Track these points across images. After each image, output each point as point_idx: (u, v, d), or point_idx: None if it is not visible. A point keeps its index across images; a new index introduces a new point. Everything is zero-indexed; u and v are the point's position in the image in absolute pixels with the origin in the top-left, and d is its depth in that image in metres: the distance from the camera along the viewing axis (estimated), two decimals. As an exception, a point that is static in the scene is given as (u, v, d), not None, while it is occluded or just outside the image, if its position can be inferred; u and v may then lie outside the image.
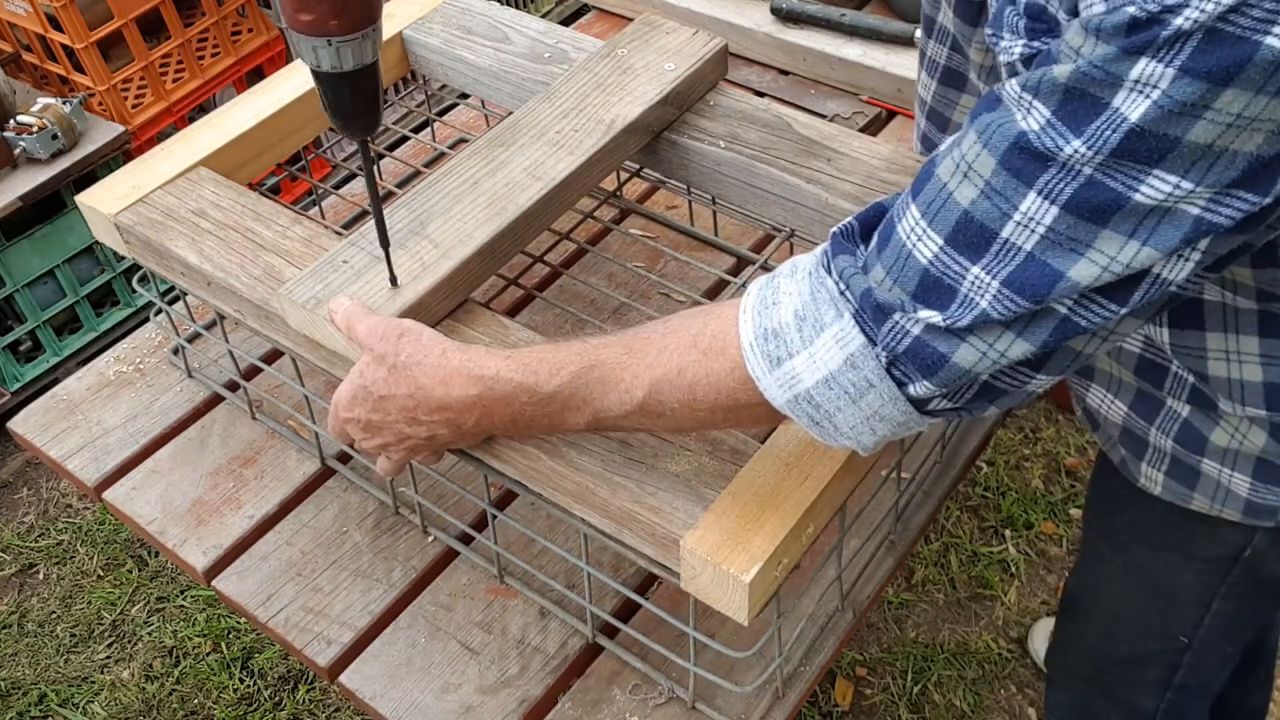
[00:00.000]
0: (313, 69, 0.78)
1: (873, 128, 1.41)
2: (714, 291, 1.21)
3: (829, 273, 0.66)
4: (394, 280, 0.89)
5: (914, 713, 1.76)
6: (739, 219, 1.22)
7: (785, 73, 1.51)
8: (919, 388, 0.64)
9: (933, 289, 0.61)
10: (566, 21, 2.37)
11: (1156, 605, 1.02)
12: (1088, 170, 0.54)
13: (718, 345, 0.70)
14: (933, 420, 0.68)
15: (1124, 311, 0.59)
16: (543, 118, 1.04)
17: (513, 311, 1.23)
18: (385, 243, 0.88)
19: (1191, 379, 0.82)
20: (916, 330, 0.61)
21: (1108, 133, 0.53)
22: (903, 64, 1.40)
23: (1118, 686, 1.12)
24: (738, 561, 0.74)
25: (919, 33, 1.40)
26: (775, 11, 1.49)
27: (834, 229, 0.68)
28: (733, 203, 1.08)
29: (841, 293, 0.64)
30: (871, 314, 0.63)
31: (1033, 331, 0.60)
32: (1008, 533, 1.98)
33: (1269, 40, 0.49)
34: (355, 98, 0.79)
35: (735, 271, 1.21)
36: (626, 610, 0.99)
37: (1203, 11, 0.49)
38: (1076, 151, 0.54)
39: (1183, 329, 0.78)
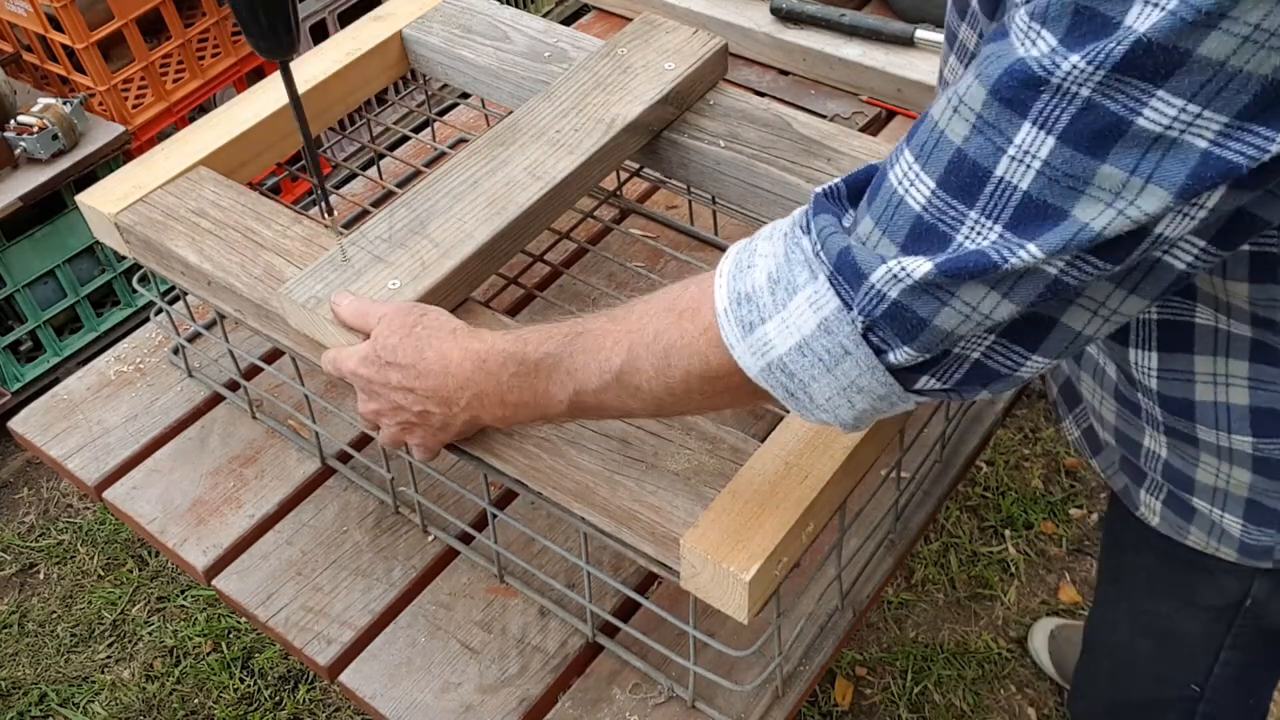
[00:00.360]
0: None
1: (873, 128, 1.41)
2: (714, 291, 1.21)
3: (806, 232, 0.62)
4: (329, 211, 0.93)
5: (914, 712, 1.76)
6: (739, 219, 1.22)
7: (785, 73, 1.51)
8: (899, 354, 0.59)
9: (925, 237, 0.56)
10: (566, 21, 2.37)
11: (1164, 652, 1.00)
12: (1085, 91, 0.49)
13: (692, 307, 0.67)
14: (920, 400, 0.63)
15: (1115, 269, 0.54)
16: (543, 117, 1.04)
17: (513, 311, 1.23)
18: (317, 171, 0.91)
19: (1161, 415, 0.79)
20: (894, 293, 0.57)
21: (1111, 46, 0.48)
22: (903, 64, 1.40)
23: None
24: (737, 560, 0.75)
25: (920, 31, 1.40)
26: (775, 11, 1.49)
27: (816, 189, 0.64)
28: (733, 202, 1.08)
29: (816, 253, 0.60)
30: (848, 275, 0.59)
31: (1019, 290, 0.55)
32: (1007, 533, 1.98)
33: None
34: (270, 17, 0.80)
35: (735, 271, 1.21)
36: (626, 609, 0.99)
37: None
38: (1074, 69, 0.49)
39: (1172, 352, 0.75)
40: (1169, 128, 0.49)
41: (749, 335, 0.63)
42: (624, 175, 1.26)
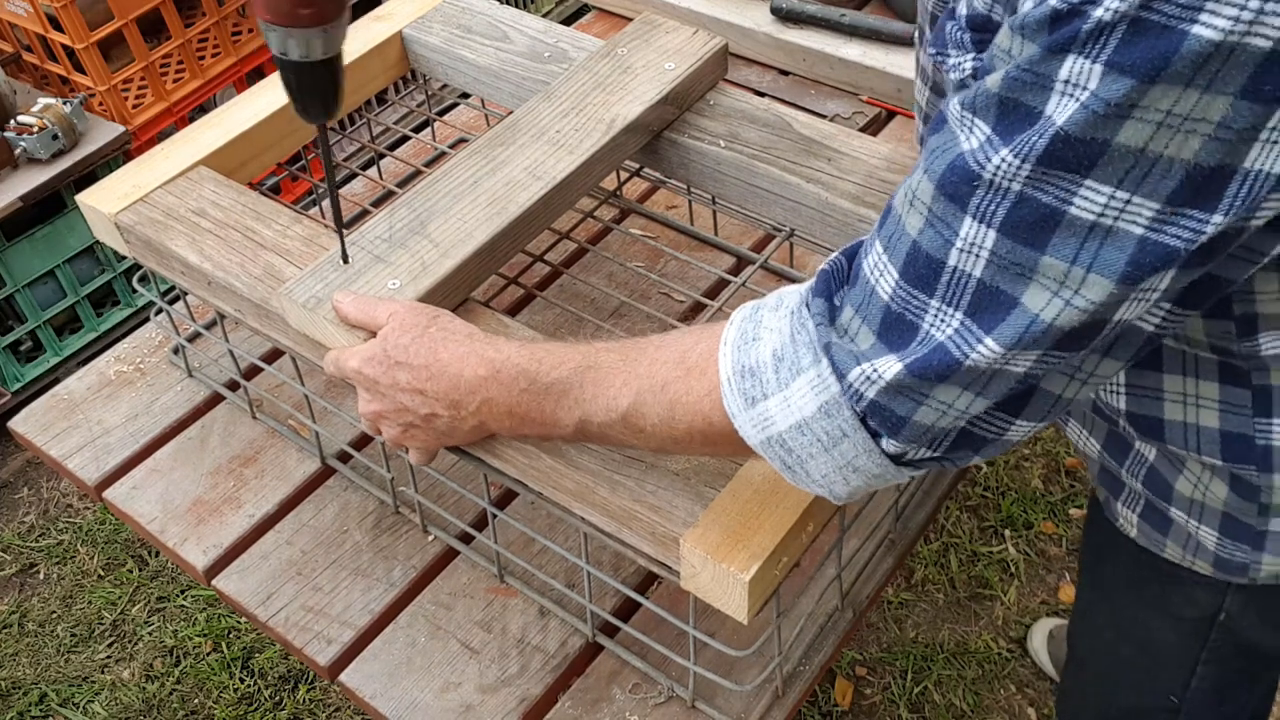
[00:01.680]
0: (279, 57, 0.82)
1: (873, 128, 1.41)
2: (714, 291, 1.21)
3: (810, 313, 0.63)
4: (345, 258, 0.92)
5: (914, 712, 1.76)
6: (739, 219, 1.22)
7: (785, 73, 1.51)
8: (888, 444, 0.62)
9: (895, 326, 0.58)
10: (566, 21, 2.37)
11: (1143, 661, 1.00)
12: (1016, 185, 0.51)
13: (700, 366, 0.69)
14: (915, 472, 0.65)
15: (1082, 353, 0.56)
16: (543, 117, 1.04)
17: (513, 311, 1.23)
18: (339, 221, 0.92)
19: (1134, 433, 0.79)
20: (871, 393, 0.59)
21: (1034, 139, 0.50)
22: (902, 64, 1.40)
23: None
24: (737, 559, 0.75)
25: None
26: (775, 11, 1.49)
27: (823, 265, 0.65)
28: (733, 202, 1.08)
29: (821, 342, 0.62)
30: (836, 367, 0.61)
31: (991, 389, 0.57)
32: (1007, 533, 1.98)
33: (1195, 29, 0.45)
34: (319, 85, 0.83)
35: (735, 271, 1.22)
36: (626, 609, 0.99)
37: (1123, 0, 0.46)
38: (1004, 164, 0.51)
39: (1140, 368, 0.75)
40: (1101, 215, 0.50)
41: (750, 409, 0.65)
42: (624, 175, 1.26)
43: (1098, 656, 1.07)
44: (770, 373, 0.64)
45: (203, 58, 2.33)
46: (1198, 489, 0.79)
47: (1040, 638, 1.82)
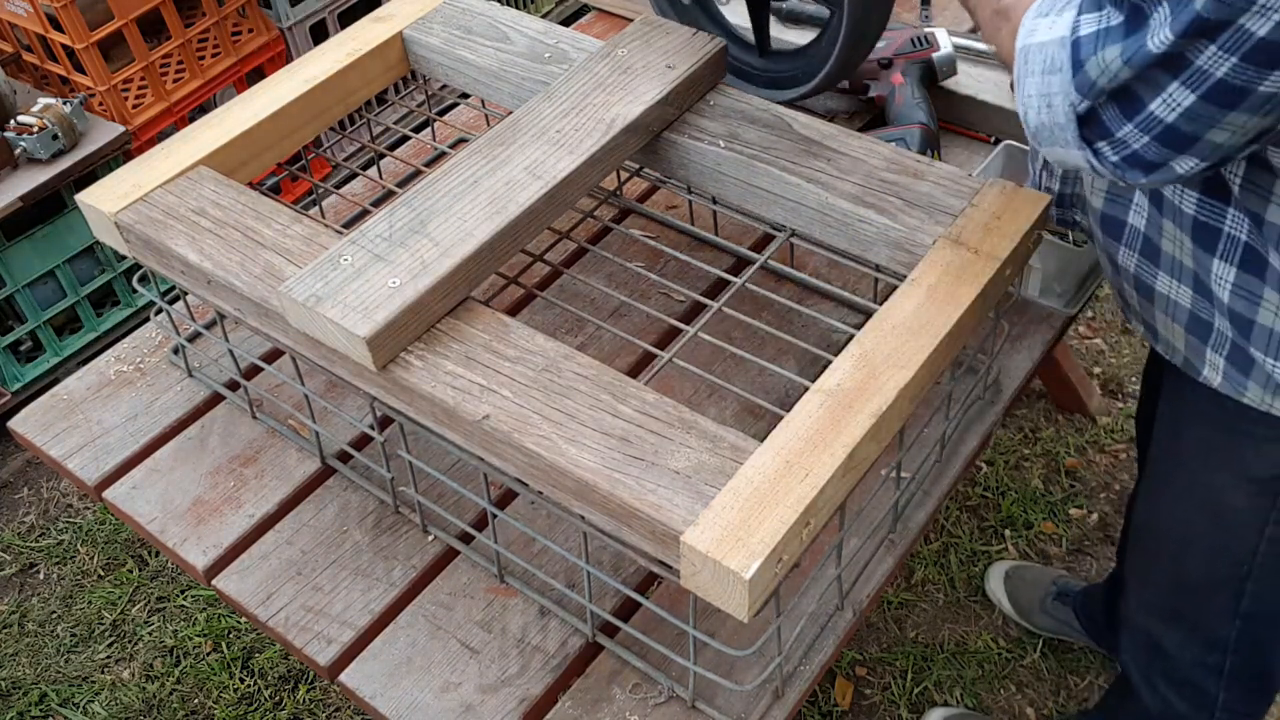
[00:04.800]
0: None
1: (873, 128, 1.41)
2: (714, 291, 1.21)
3: None
4: None
5: (914, 713, 1.76)
6: (739, 219, 1.22)
7: (785, 73, 1.51)
8: (1079, 86, 0.76)
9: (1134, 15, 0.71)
10: (566, 21, 2.37)
11: (1216, 529, 1.06)
12: None
13: None
14: (1096, 166, 0.80)
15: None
16: (543, 117, 1.05)
17: (513, 310, 1.24)
18: None
19: (1245, 235, 0.86)
20: (1085, 30, 0.75)
21: None
22: (902, 64, 1.40)
23: (1191, 614, 1.15)
24: (738, 558, 0.75)
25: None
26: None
27: None
28: (733, 203, 1.08)
29: None
30: (1087, 6, 0.76)
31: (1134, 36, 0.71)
32: (1007, 533, 1.98)
33: None
34: None
35: (735, 271, 1.22)
36: (626, 609, 0.99)
37: None
38: None
39: (1260, 169, 0.83)
40: None
41: (1033, 20, 0.81)
42: (624, 175, 1.26)
43: (1172, 529, 1.12)
44: (1060, 4, 0.79)
45: (203, 58, 2.33)
46: (1277, 318, 0.88)
47: (997, 579, 1.85)
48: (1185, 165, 0.76)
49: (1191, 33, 0.68)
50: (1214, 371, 0.97)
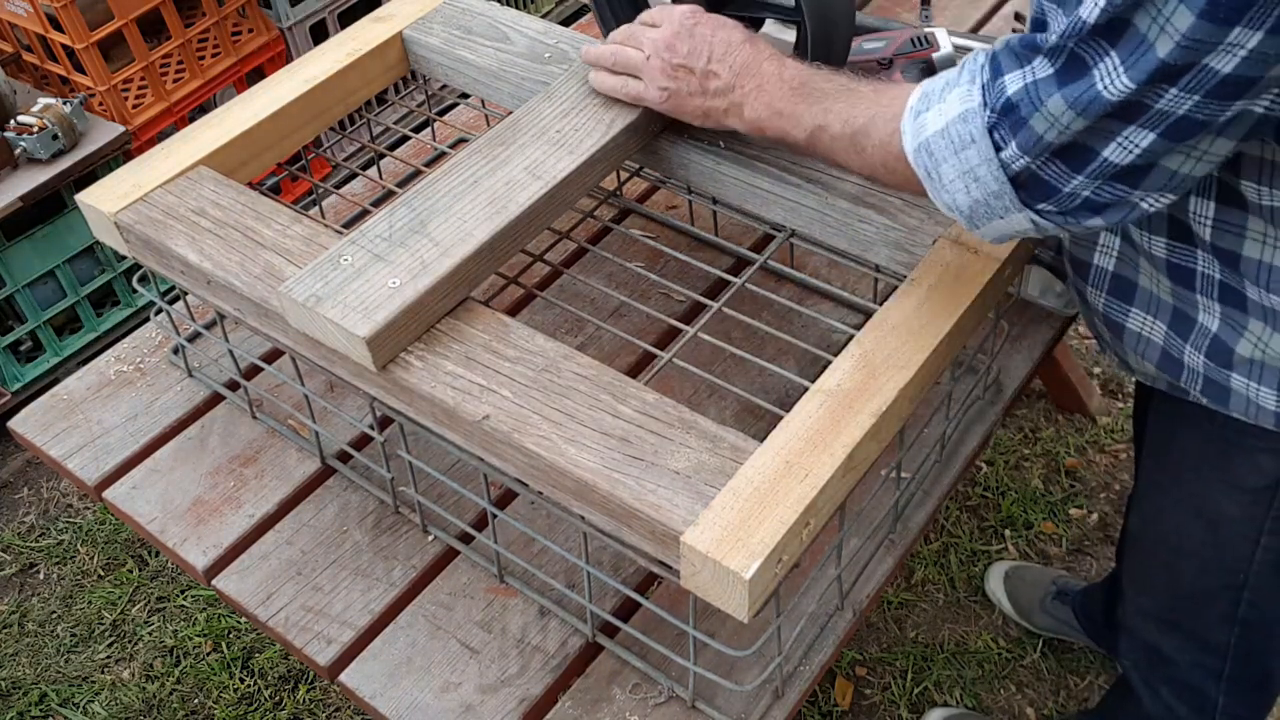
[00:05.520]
0: None
1: (873, 127, 1.41)
2: (714, 291, 1.21)
3: (993, 52, 0.75)
4: None
5: (914, 713, 1.76)
6: (739, 219, 1.22)
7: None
8: (1009, 152, 0.73)
9: (1071, 64, 0.69)
10: (566, 22, 2.37)
11: (1211, 538, 1.05)
12: None
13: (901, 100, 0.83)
14: (1041, 225, 0.77)
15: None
16: (543, 117, 1.05)
17: (513, 310, 1.24)
18: None
19: (1218, 274, 0.86)
20: (1012, 89, 0.72)
21: None
22: (902, 64, 1.40)
23: (1188, 622, 1.15)
24: (738, 558, 0.75)
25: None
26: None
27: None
28: (733, 203, 1.08)
29: (983, 65, 0.75)
30: (992, 74, 0.74)
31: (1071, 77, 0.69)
32: (1007, 533, 1.98)
33: None
34: None
35: (735, 271, 1.22)
36: (626, 609, 0.99)
37: None
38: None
39: (1228, 205, 0.82)
40: None
41: (914, 120, 0.79)
42: (624, 175, 1.26)
43: (1167, 537, 1.11)
44: (938, 93, 0.78)
45: (203, 58, 2.33)
46: (1257, 347, 0.87)
47: (997, 579, 1.85)
48: (1146, 201, 0.74)
49: (1154, 80, 0.65)
50: (1196, 394, 0.96)
